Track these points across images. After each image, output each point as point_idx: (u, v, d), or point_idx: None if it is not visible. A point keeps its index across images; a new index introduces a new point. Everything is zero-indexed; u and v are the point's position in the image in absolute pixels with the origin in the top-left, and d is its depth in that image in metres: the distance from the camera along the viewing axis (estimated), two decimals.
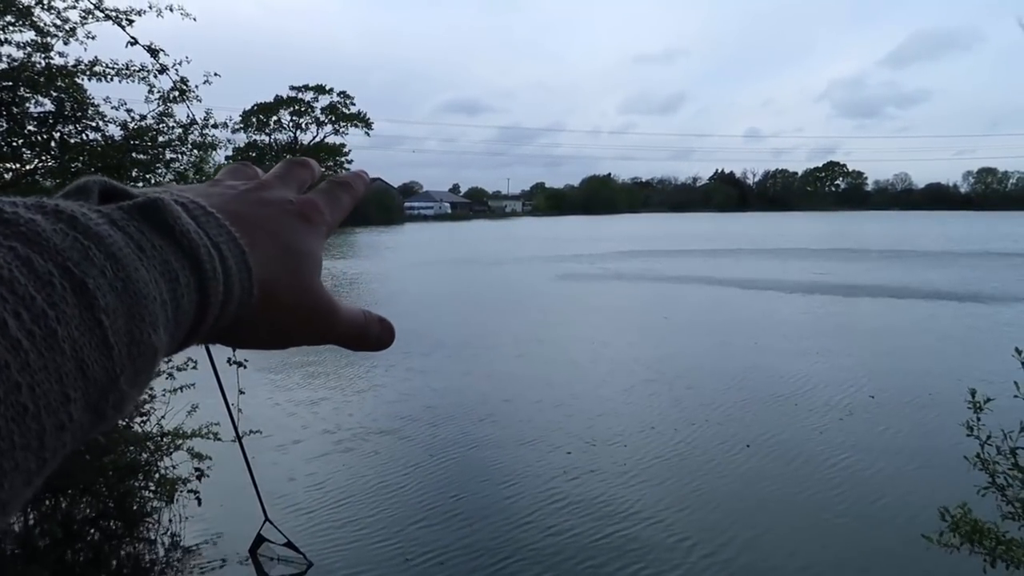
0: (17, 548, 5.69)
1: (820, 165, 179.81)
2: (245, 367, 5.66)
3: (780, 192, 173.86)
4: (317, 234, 0.53)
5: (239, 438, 5.71)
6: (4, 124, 4.77)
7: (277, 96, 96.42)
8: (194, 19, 5.19)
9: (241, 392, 5.83)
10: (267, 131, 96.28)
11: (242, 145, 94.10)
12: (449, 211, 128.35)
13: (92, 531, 6.04)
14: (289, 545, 6.10)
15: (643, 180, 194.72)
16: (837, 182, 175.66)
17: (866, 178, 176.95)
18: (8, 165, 4.77)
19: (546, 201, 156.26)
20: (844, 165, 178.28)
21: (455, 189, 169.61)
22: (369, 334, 0.56)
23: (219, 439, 6.27)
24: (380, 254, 44.74)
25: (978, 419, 3.80)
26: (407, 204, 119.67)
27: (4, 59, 4.71)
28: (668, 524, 6.83)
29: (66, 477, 5.23)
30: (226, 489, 6.74)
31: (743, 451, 8.72)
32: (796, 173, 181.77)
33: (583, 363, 13.57)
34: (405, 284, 28.45)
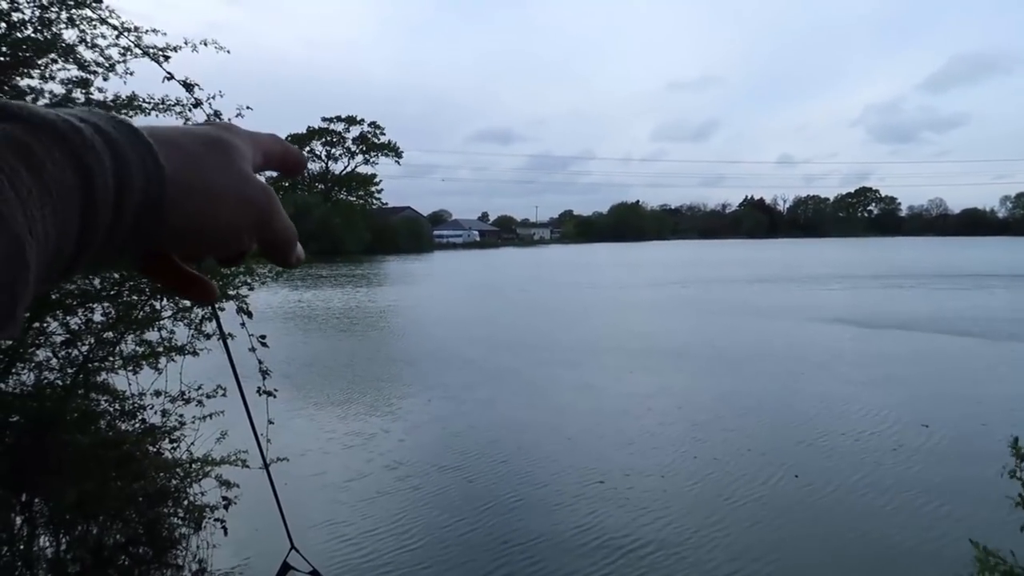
0: (50, 573, 5.77)
1: (852, 191, 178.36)
2: (275, 396, 5.72)
3: (811, 218, 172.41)
4: (235, 134, 0.53)
5: (266, 465, 5.75)
6: None
7: (309, 127, 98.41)
8: (228, 52, 5.34)
9: (270, 422, 5.88)
10: None
11: (275, 175, 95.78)
12: (478, 239, 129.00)
13: (123, 557, 6.10)
14: (315, 574, 6.11)
15: (672, 207, 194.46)
16: (870, 208, 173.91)
17: (899, 204, 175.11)
18: None
19: (575, 228, 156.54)
20: (877, 191, 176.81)
21: (484, 217, 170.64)
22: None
23: (247, 466, 6.32)
24: (415, 281, 44.97)
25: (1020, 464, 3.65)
26: (436, 232, 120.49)
27: (47, 95, 4.88)
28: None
29: (97, 503, 5.31)
30: (254, 517, 6.78)
31: (793, 481, 8.60)
32: (827, 199, 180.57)
33: (639, 395, 13.50)
34: (445, 310, 28.55)
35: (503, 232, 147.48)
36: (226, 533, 5.98)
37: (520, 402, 12.75)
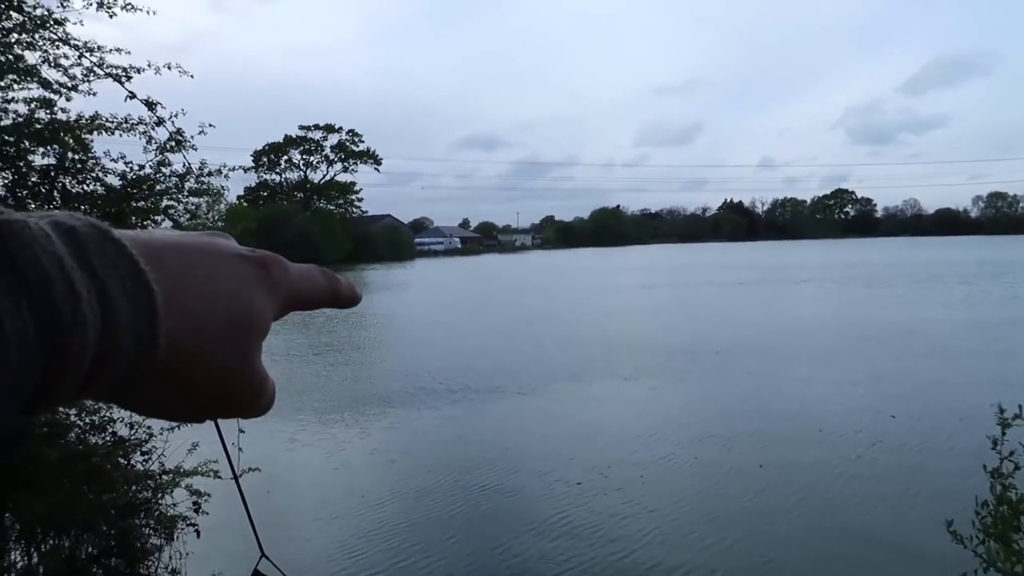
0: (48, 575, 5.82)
1: (828, 192, 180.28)
2: None
3: (789, 221, 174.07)
4: (272, 291, 0.45)
5: (235, 475, 5.84)
6: (9, 176, 5.01)
7: (287, 135, 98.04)
8: (192, 76, 5.46)
9: (241, 431, 5.98)
10: (277, 170, 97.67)
11: (253, 184, 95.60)
12: (459, 246, 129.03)
13: (96, 569, 6.16)
14: None
15: (652, 211, 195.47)
16: (846, 209, 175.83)
17: (875, 205, 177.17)
18: None
19: (556, 234, 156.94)
20: (853, 192, 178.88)
21: (465, 224, 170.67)
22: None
23: (219, 477, 6.41)
24: (396, 290, 44.98)
25: (1003, 435, 3.76)
26: (417, 240, 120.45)
27: (11, 115, 4.97)
28: None
29: (67, 515, 5.38)
30: (225, 528, 6.86)
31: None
32: (805, 201, 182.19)
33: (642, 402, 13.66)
34: (433, 317, 28.62)
35: (484, 239, 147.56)
36: (199, 535, 6.06)
37: (500, 413, 12.88)
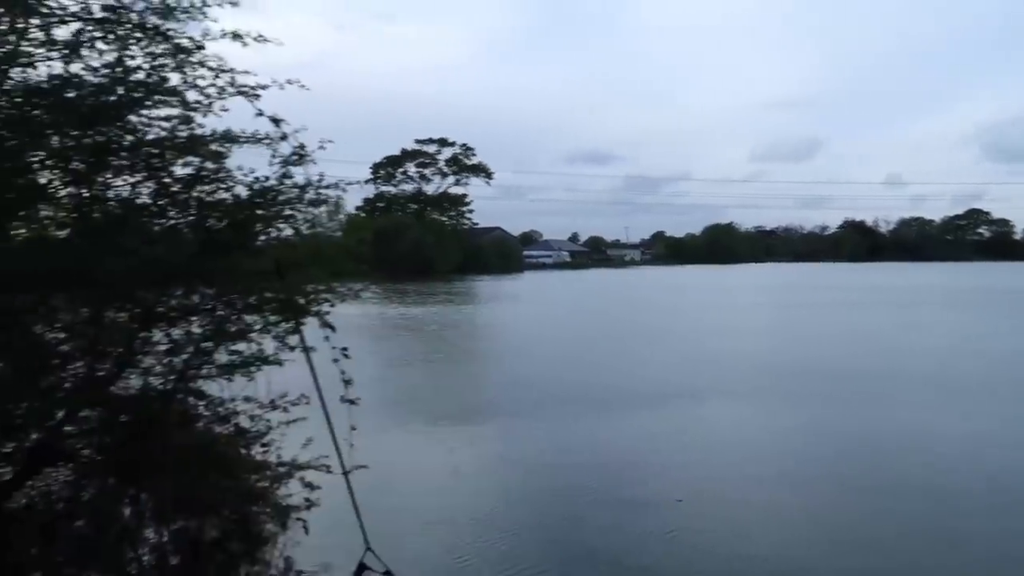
0: (153, 561, 6.32)
1: (960, 212, 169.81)
2: (357, 404, 6.14)
3: (915, 241, 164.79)
4: None
5: (344, 470, 6.18)
6: (152, 185, 5.53)
7: (403, 149, 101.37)
8: (308, 89, 5.86)
9: (353, 428, 6.31)
10: (393, 182, 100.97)
11: (371, 196, 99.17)
12: (568, 259, 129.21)
13: (218, 551, 6.61)
14: (388, 574, 6.48)
15: (767, 229, 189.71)
16: (980, 230, 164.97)
17: (1013, 226, 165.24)
18: (157, 221, 5.54)
19: (666, 249, 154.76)
20: (988, 212, 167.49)
21: (574, 238, 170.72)
22: None
23: (330, 471, 6.76)
24: (506, 302, 45.56)
25: None
26: (526, 252, 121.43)
27: (155, 130, 5.49)
28: None
29: (194, 499, 5.82)
30: (333, 520, 7.21)
31: None
32: (933, 221, 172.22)
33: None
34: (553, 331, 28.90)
35: (593, 253, 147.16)
36: (307, 532, 6.42)
37: (613, 429, 12.91)
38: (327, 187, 5.98)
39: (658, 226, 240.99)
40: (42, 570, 5.52)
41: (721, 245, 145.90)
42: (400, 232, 75.07)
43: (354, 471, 6.53)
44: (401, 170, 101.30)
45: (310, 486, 6.33)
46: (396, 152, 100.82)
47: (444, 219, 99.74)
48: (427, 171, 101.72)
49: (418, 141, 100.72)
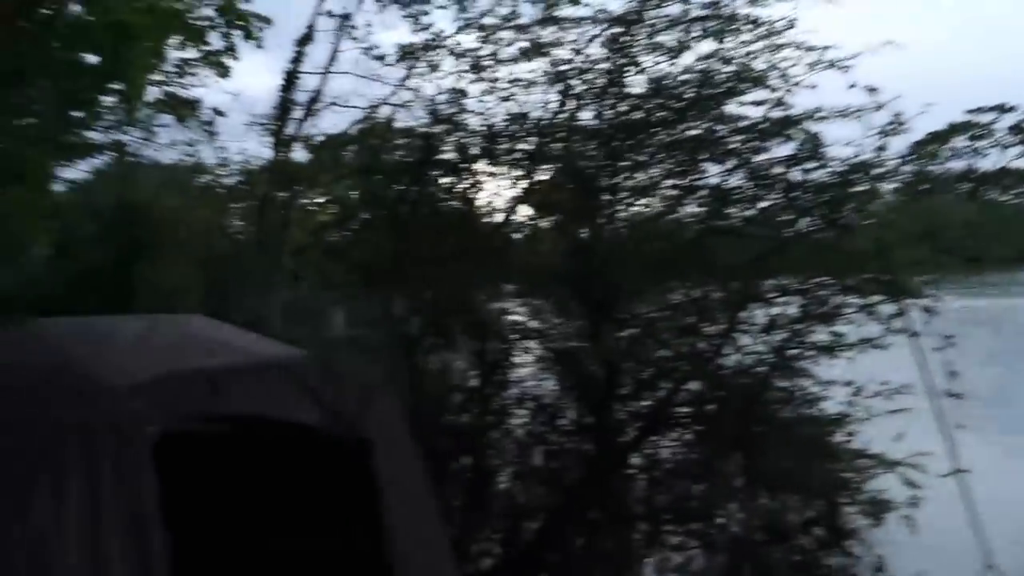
0: (739, 532, 6.53)
1: None
2: (962, 400, 5.55)
3: None
4: None
5: (956, 473, 5.62)
6: (746, 171, 5.72)
7: (950, 123, 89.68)
8: (904, 48, 5.42)
9: (960, 427, 5.68)
10: (938, 161, 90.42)
11: (912, 178, 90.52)
12: None
13: (802, 536, 6.55)
14: None
15: None
16: None
17: None
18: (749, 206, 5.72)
19: None
20: None
21: None
22: None
23: (924, 471, 6.15)
24: None
25: None
26: None
27: (748, 117, 5.66)
28: None
29: (786, 479, 5.86)
30: (929, 526, 6.53)
31: None
32: None
33: None
34: None
35: None
36: (912, 531, 5.93)
37: None
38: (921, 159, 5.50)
39: None
40: (648, 521, 6.15)
41: None
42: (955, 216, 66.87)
43: (955, 476, 5.86)
44: (947, 145, 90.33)
45: (911, 484, 5.85)
46: (941, 127, 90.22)
47: (1004, 198, 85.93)
48: (980, 143, 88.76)
49: (967, 111, 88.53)
